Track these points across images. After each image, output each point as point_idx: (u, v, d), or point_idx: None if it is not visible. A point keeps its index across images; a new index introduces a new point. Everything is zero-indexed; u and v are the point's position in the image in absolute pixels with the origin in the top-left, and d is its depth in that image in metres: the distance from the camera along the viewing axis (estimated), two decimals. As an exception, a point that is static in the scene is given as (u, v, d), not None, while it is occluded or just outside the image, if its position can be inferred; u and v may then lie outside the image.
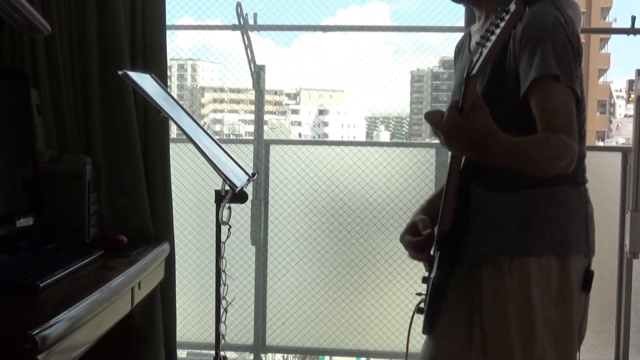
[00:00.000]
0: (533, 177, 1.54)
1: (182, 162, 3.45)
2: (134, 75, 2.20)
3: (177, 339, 2.74)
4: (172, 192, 2.66)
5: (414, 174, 3.46)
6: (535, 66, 1.51)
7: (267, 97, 3.96)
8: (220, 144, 2.51)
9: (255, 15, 3.63)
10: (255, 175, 2.71)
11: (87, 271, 1.90)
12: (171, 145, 2.67)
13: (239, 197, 2.24)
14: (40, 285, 1.62)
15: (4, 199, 2.00)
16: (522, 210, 1.61)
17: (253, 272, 3.54)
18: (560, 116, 1.50)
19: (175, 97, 2.55)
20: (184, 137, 2.26)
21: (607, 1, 18.22)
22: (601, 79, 17.96)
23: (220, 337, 2.34)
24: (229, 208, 2.27)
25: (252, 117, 3.75)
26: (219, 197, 2.26)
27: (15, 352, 1.32)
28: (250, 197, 2.95)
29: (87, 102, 2.53)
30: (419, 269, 1.84)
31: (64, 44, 2.50)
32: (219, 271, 2.31)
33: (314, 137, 12.98)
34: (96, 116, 2.53)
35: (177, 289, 2.73)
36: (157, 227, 2.58)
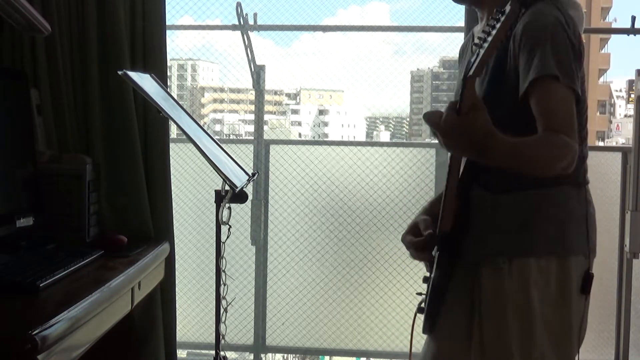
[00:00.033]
0: (533, 178, 1.53)
1: (182, 162, 3.45)
2: (134, 75, 2.20)
3: (177, 339, 2.74)
4: (172, 192, 2.66)
5: (414, 174, 3.47)
6: (534, 66, 1.50)
7: (267, 97, 3.96)
8: (220, 144, 2.51)
9: (255, 15, 3.63)
10: (255, 175, 2.71)
11: (87, 271, 1.90)
12: (171, 145, 2.67)
13: (239, 197, 2.24)
14: (40, 285, 1.62)
15: (4, 199, 2.00)
16: (522, 210, 1.61)
17: (253, 272, 3.54)
18: (560, 116, 1.49)
19: (175, 97, 2.55)
20: (184, 137, 2.26)
21: (607, 1, 18.20)
22: (601, 79, 17.94)
23: (220, 337, 2.34)
24: (229, 208, 2.27)
25: (252, 117, 3.75)
26: (219, 197, 2.26)
27: (15, 352, 1.32)
28: (250, 197, 2.95)
29: (87, 102, 2.53)
30: (419, 269, 1.84)
31: (64, 44, 2.50)
32: (219, 271, 2.31)
33: (314, 137, 12.93)
34: (96, 116, 2.53)
35: (177, 289, 2.73)
36: (157, 227, 2.58)
